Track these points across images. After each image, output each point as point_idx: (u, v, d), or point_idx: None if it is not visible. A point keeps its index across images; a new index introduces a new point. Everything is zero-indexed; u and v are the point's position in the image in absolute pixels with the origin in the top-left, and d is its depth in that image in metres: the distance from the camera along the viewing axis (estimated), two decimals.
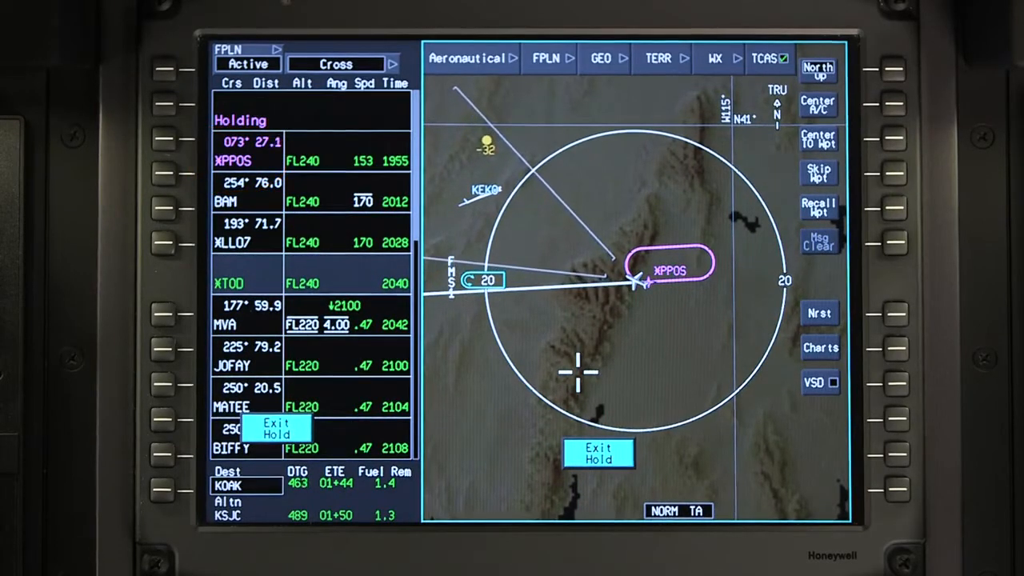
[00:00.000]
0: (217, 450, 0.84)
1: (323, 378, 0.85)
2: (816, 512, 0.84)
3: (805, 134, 0.85)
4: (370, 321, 0.85)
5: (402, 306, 0.85)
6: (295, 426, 0.84)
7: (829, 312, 0.85)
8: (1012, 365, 0.85)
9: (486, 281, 0.85)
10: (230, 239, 0.85)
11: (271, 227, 0.85)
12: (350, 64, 0.85)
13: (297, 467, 0.84)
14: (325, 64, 0.85)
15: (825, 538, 0.84)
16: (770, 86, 0.86)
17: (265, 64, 0.85)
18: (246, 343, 0.85)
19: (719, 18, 0.85)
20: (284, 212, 0.85)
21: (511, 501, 0.85)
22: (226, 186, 0.85)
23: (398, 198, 0.85)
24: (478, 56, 0.86)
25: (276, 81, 0.85)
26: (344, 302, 0.85)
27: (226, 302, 0.85)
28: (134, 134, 0.84)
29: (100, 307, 0.83)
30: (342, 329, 0.85)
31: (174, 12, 0.84)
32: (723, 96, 0.85)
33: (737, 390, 0.84)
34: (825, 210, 0.85)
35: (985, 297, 0.85)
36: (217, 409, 0.84)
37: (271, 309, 0.85)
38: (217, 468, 0.84)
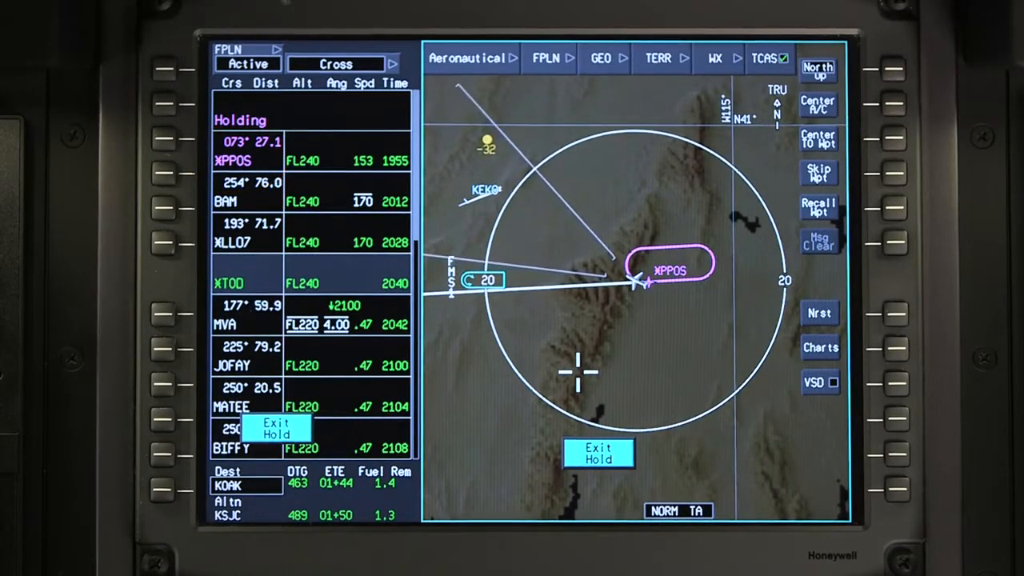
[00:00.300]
0: (217, 450, 0.84)
1: (323, 378, 0.85)
2: (816, 512, 0.84)
3: (805, 134, 0.85)
4: (370, 321, 0.85)
5: (402, 306, 0.85)
6: (295, 426, 0.84)
7: (829, 312, 0.85)
8: (1012, 365, 0.85)
9: (486, 281, 0.85)
10: (230, 239, 0.85)
11: (271, 227, 0.85)
12: (350, 64, 0.85)
13: (297, 467, 0.84)
14: (325, 64, 0.85)
15: (825, 538, 0.84)
16: (770, 86, 0.86)
17: (265, 64, 0.85)
18: (246, 343, 0.85)
19: (719, 18, 0.85)
20: (284, 212, 0.85)
21: (511, 501, 0.85)
22: (226, 186, 0.85)
23: (398, 198, 0.85)
24: (478, 56, 0.86)
25: (276, 81, 0.85)
26: (344, 302, 0.85)
27: (226, 302, 0.85)
28: (134, 134, 0.84)
29: (100, 307, 0.83)
30: (342, 329, 0.85)
31: (174, 12, 0.84)
32: (723, 96, 0.85)
33: (737, 390, 0.84)
34: (825, 210, 0.85)
35: (985, 297, 0.85)
36: (217, 409, 0.84)
37: (271, 309, 0.85)
38: (217, 468, 0.84)
